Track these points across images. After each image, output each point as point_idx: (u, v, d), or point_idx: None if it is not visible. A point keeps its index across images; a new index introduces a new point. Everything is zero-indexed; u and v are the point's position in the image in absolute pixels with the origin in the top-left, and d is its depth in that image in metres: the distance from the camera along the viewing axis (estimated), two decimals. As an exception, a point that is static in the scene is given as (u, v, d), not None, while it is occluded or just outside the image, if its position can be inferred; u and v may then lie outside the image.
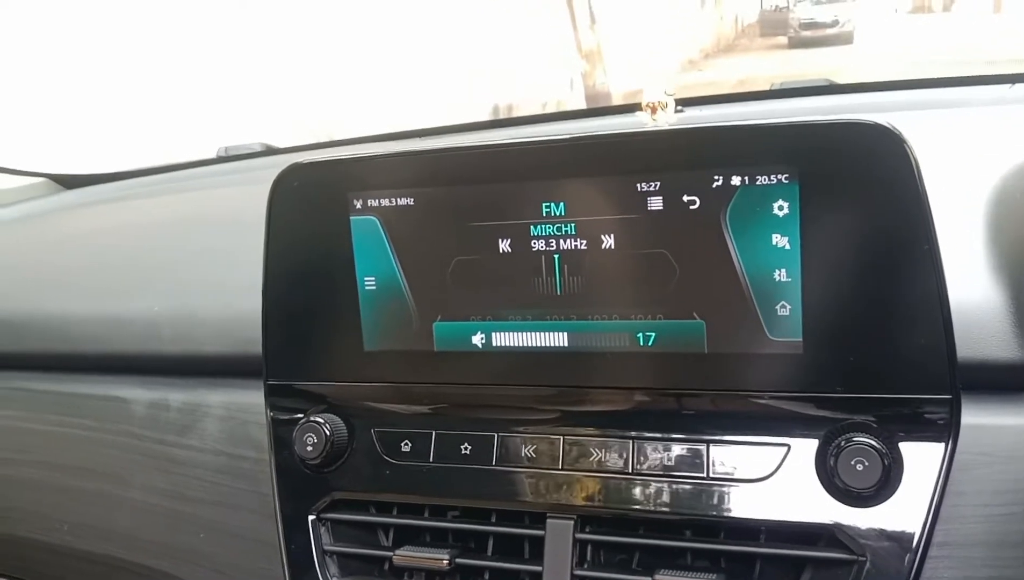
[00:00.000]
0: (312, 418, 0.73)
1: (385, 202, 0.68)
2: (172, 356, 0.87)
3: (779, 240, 0.59)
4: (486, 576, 0.71)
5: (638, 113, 0.78)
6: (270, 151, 1.36)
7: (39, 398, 0.95)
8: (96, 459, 0.89)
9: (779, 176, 0.59)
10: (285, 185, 0.72)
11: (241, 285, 0.81)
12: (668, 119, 0.77)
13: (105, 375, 0.92)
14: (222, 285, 0.88)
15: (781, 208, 0.59)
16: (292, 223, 0.72)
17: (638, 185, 0.62)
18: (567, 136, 0.64)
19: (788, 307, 0.60)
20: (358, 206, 0.69)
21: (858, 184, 0.57)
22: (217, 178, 1.28)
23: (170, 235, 1.02)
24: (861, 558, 0.59)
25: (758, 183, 0.59)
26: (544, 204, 0.64)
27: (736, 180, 0.60)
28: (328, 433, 0.72)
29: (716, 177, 0.60)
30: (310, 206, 0.71)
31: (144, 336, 0.89)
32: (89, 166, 1.49)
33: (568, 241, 0.64)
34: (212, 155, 1.39)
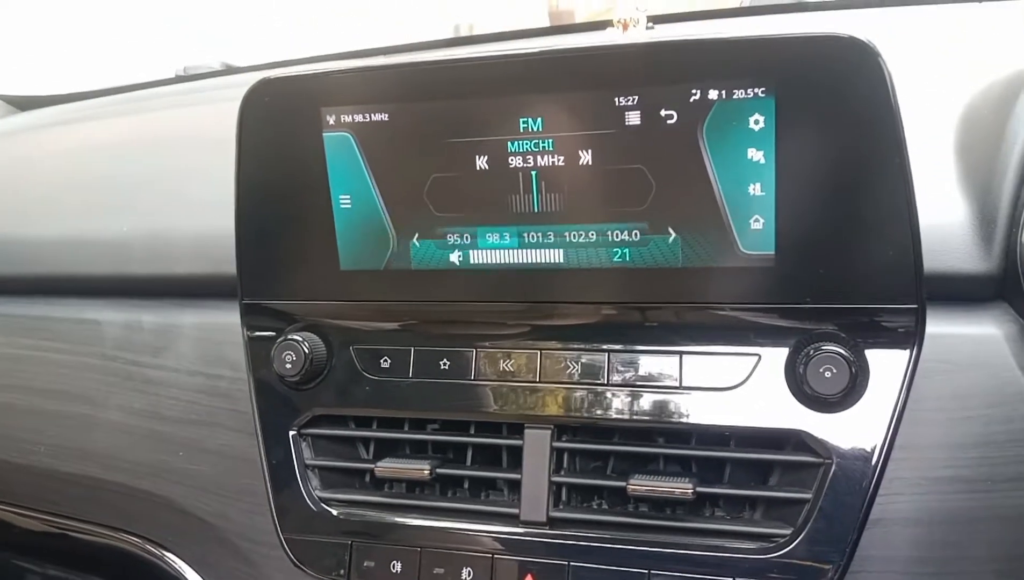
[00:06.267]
0: (290, 336, 0.73)
1: (359, 118, 0.67)
2: (144, 277, 0.86)
3: (754, 154, 0.60)
4: (465, 485, 0.73)
5: (608, 29, 0.78)
6: (230, 70, 1.32)
7: (9, 322, 0.94)
8: (71, 382, 0.89)
9: (756, 90, 0.59)
10: (256, 100, 0.71)
11: (212, 204, 0.80)
12: (639, 35, 0.76)
13: (77, 298, 0.91)
14: (193, 205, 0.86)
15: (757, 122, 0.59)
16: (264, 139, 0.71)
17: (616, 99, 0.62)
18: (547, 49, 0.63)
19: (761, 221, 0.61)
20: (331, 122, 0.68)
21: (833, 98, 0.58)
22: (178, 97, 1.24)
23: (136, 155, 1.00)
24: (827, 461, 0.62)
25: (735, 97, 0.59)
26: (522, 120, 0.64)
27: (713, 94, 0.60)
28: (307, 351, 0.72)
29: (694, 91, 0.60)
30: (282, 122, 0.70)
31: (115, 258, 0.88)
32: (42, 87, 1.44)
33: (546, 157, 0.64)
34: (170, 75, 1.35)
